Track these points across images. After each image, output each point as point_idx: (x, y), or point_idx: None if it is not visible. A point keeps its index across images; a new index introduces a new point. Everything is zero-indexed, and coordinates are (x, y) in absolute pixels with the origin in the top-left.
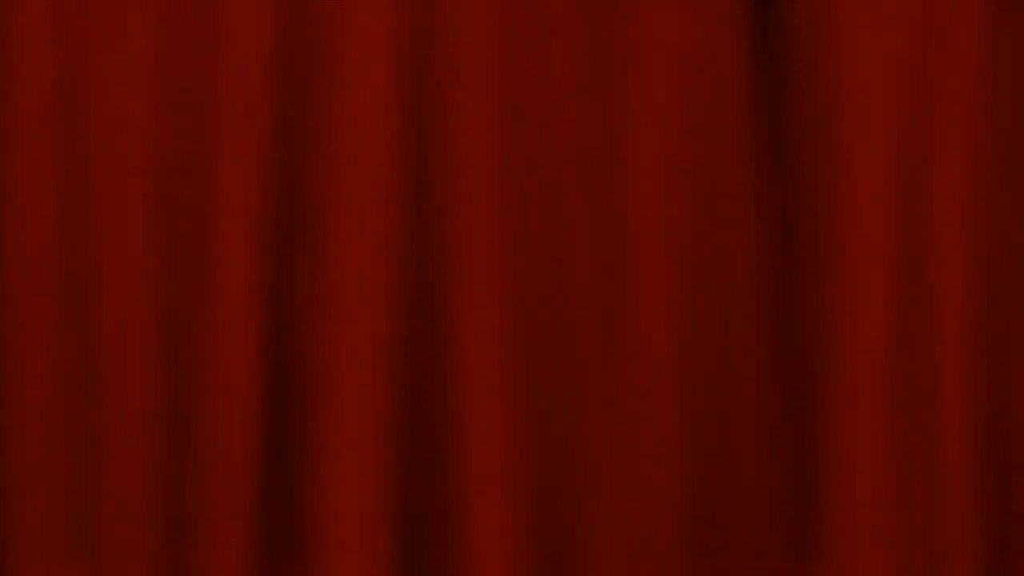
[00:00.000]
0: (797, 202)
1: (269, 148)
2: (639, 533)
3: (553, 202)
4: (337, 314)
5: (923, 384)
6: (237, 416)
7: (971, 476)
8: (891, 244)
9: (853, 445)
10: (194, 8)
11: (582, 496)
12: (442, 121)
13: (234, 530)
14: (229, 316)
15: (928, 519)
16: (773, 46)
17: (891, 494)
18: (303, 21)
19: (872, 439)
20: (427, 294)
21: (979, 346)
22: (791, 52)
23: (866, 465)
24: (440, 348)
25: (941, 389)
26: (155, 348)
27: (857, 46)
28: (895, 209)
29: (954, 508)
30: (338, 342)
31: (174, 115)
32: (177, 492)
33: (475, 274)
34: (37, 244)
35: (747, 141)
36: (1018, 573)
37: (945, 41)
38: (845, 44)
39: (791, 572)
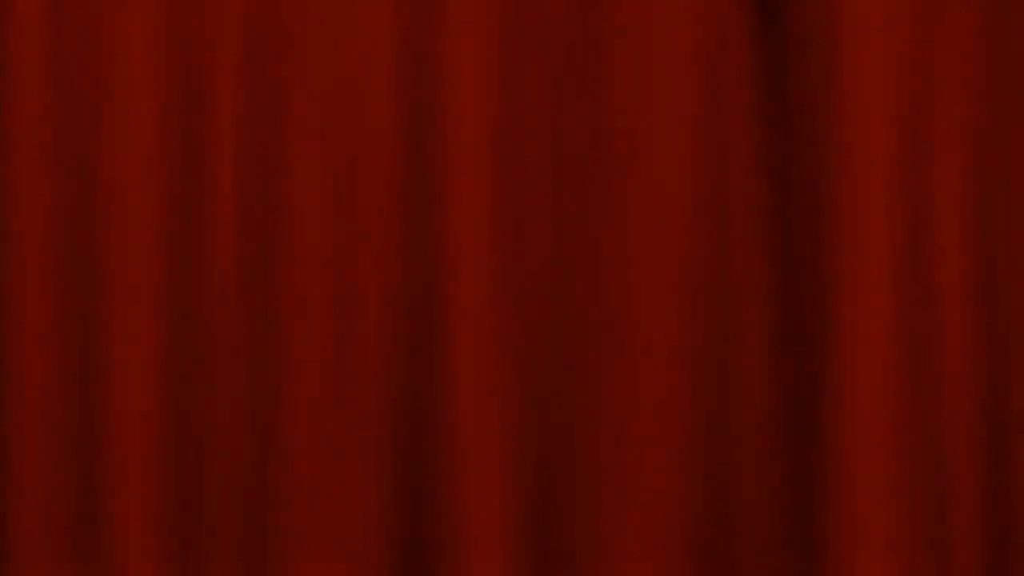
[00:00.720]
0: (798, 202)
1: (269, 148)
2: (641, 534)
3: (553, 203)
4: (334, 313)
5: (925, 384)
6: (237, 417)
7: (973, 477)
8: (891, 244)
9: (856, 445)
10: (193, 7)
11: (583, 497)
12: (441, 121)
13: (233, 531)
14: (228, 316)
15: (931, 520)
16: (774, 45)
17: (894, 495)
18: (302, 20)
19: (874, 439)
20: (425, 294)
21: (979, 346)
22: (792, 52)
23: (868, 465)
24: (438, 349)
25: (943, 389)
26: (155, 347)
27: (857, 46)
28: (895, 209)
29: (957, 509)
30: (334, 342)
31: (172, 114)
32: (177, 492)
33: (473, 274)
34: (37, 244)
35: (748, 141)
36: (1020, 573)
37: (945, 41)
38: (845, 44)
39: (794, 572)
